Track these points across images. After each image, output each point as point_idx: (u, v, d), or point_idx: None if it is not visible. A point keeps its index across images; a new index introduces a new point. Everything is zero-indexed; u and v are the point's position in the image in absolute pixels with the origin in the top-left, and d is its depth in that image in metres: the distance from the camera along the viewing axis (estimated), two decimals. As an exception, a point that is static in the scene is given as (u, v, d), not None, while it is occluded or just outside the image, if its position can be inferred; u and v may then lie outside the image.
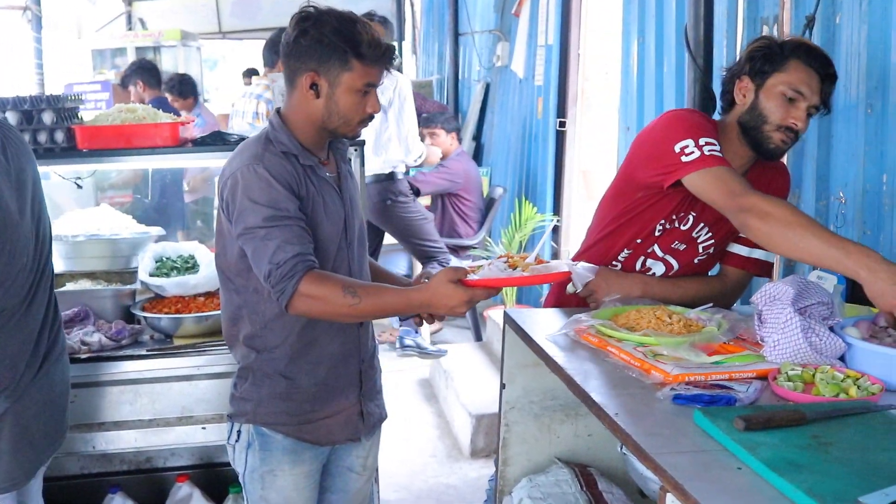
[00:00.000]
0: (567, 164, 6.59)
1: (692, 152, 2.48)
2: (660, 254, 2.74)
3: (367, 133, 5.72)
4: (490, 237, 7.02)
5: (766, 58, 2.56)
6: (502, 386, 2.64)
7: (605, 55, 6.21)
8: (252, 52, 13.14)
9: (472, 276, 2.29)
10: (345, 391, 2.58)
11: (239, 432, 2.55)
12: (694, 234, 2.72)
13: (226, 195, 2.39)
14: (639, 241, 2.72)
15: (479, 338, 6.60)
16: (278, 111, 2.50)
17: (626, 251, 2.74)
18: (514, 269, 2.33)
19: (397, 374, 6.31)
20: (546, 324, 2.50)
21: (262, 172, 2.33)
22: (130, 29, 13.48)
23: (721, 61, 3.43)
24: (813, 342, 2.10)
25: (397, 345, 6.47)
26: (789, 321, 2.11)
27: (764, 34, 3.22)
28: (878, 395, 1.94)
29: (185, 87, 8.12)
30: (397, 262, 6.85)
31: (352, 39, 2.33)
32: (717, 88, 2.73)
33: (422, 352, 6.46)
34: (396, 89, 5.88)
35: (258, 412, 2.51)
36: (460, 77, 9.10)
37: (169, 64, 11.58)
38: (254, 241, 2.31)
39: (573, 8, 6.33)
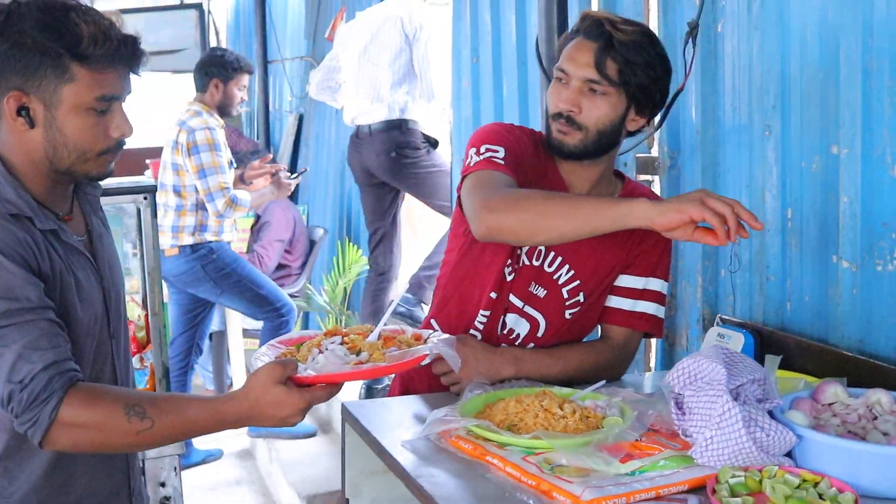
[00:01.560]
0: (393, 201, 6.09)
1: (469, 161, 2.08)
2: (519, 304, 2.21)
3: (382, 73, 4.81)
4: (311, 284, 6.40)
5: None
6: (345, 501, 2.03)
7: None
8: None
9: (303, 370, 1.68)
10: None
11: None
12: (549, 270, 2.20)
13: None
14: (493, 295, 2.19)
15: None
16: None
17: (483, 313, 2.20)
18: (358, 353, 1.75)
19: (213, 444, 5.59)
20: (397, 420, 1.93)
21: None
22: None
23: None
24: (758, 438, 1.59)
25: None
26: (727, 413, 1.60)
27: None
28: (856, 510, 1.45)
29: None
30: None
31: (66, 34, 1.65)
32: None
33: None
34: (421, 24, 4.82)
35: None
36: (271, 108, 8.45)
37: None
38: None
39: (393, 31, 5.81)
